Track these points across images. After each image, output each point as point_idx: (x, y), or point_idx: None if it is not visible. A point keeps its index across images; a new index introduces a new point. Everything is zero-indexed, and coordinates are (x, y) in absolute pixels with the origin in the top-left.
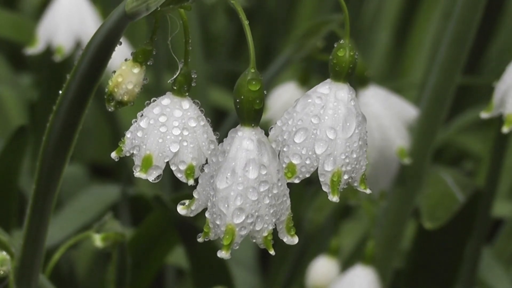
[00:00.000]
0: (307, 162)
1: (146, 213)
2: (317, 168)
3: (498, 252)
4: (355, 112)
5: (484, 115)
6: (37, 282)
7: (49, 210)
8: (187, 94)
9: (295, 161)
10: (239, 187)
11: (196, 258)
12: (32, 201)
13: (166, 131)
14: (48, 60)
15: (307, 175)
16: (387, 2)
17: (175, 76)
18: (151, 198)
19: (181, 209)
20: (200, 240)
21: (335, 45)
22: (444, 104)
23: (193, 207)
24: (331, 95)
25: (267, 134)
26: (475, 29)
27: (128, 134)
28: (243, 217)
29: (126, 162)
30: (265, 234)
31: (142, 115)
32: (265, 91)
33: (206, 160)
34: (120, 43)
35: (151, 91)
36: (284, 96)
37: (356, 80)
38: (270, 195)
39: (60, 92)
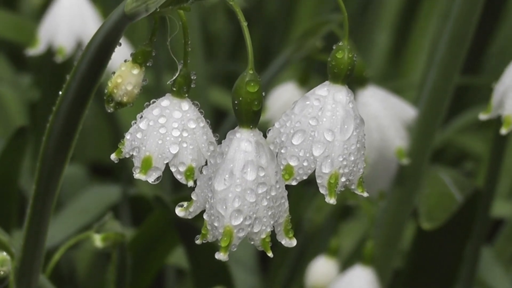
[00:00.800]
0: (305, 164)
1: (146, 213)
2: (314, 170)
3: (498, 252)
4: (353, 114)
5: (483, 116)
6: (37, 282)
7: (49, 210)
8: (186, 95)
9: (293, 163)
10: (237, 189)
11: (196, 258)
12: (33, 202)
13: (166, 133)
14: (49, 61)
15: (305, 177)
16: (387, 2)
17: (174, 78)
18: (152, 198)
19: (179, 211)
20: (198, 242)
21: (334, 47)
22: (442, 104)
23: (191, 209)
24: (329, 97)
25: (265, 136)
26: (474, 29)
27: (127, 136)
28: (241, 219)
29: (126, 162)
30: (263, 236)
31: (141, 116)
32: (263, 93)
33: (206, 162)
34: (120, 44)
35: (151, 92)
36: (283, 96)
37: (355, 80)
38: (268, 197)
39: (60, 92)
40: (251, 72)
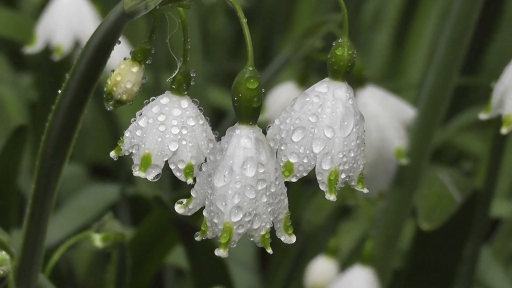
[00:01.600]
0: (305, 160)
1: (146, 213)
2: (314, 167)
3: (496, 251)
4: (353, 111)
5: (483, 116)
6: (37, 282)
7: (48, 210)
8: (186, 93)
9: (293, 159)
10: (237, 185)
11: (195, 258)
12: (32, 201)
13: (165, 130)
14: (48, 60)
15: (305, 174)
16: (387, 2)
17: (174, 75)
18: (151, 198)
19: (178, 208)
20: (197, 238)
21: (334, 44)
22: (441, 105)
23: (190, 206)
24: (329, 93)
25: (265, 133)
26: (473, 29)
27: (127, 133)
28: (241, 215)
29: (125, 162)
30: (263, 232)
31: (141, 114)
32: (263, 90)
33: (205, 159)
34: (119, 42)
35: (150, 90)
36: (283, 96)
37: (354, 80)
38: (267, 194)
39: (60, 91)
40: (250, 68)
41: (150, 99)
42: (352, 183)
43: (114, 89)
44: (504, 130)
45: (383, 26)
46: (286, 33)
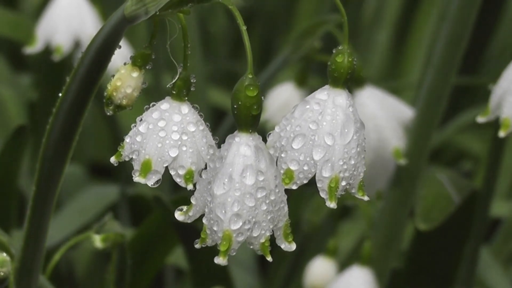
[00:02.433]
0: (305, 168)
1: (146, 213)
2: (315, 174)
3: (496, 251)
4: (353, 118)
5: (481, 119)
6: (37, 283)
7: (49, 212)
8: (186, 98)
9: (293, 167)
10: (236, 193)
11: (195, 259)
12: (32, 203)
13: (165, 136)
14: (48, 60)
15: (305, 181)
16: (387, 2)
17: (174, 81)
18: (151, 198)
19: (178, 215)
20: (197, 246)
21: (334, 51)
22: (439, 105)
23: (190, 213)
24: (330, 101)
25: (264, 136)
26: (471, 30)
27: (127, 139)
28: (240, 223)
29: (125, 162)
30: (263, 240)
31: (141, 119)
32: (262, 97)
33: (206, 165)
34: (120, 47)
35: (150, 93)
36: (281, 96)
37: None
38: (267, 201)
39: (60, 93)
40: (250, 76)
41: (151, 105)
42: (353, 191)
43: (114, 94)
44: (501, 134)
45: (383, 26)
46: (286, 33)
